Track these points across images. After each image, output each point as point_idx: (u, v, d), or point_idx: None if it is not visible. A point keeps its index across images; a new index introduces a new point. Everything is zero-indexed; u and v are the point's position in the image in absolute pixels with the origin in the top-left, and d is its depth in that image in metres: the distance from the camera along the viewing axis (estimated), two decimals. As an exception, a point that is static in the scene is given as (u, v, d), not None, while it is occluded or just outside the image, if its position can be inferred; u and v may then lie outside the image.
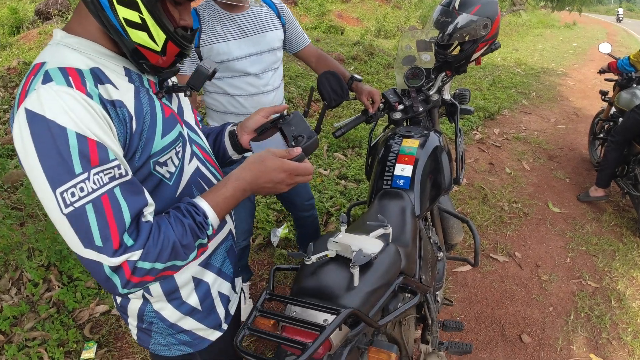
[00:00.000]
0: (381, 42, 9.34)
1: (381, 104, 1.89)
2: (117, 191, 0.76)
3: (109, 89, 0.80)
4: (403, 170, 1.60)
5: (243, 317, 2.25)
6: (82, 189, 0.72)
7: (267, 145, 1.06)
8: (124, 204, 0.76)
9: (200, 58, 1.78)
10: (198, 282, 1.03)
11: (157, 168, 0.89)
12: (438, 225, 2.04)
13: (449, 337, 2.28)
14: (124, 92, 0.82)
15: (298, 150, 0.96)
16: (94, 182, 0.73)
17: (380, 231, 1.22)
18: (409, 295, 1.21)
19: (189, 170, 0.98)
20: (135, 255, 0.75)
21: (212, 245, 1.05)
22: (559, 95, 7.20)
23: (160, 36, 0.83)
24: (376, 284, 1.06)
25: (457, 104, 2.03)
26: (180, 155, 0.94)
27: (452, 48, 1.84)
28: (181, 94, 1.05)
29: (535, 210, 3.59)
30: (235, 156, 1.20)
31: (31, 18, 8.29)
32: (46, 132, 0.71)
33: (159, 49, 0.84)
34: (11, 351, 2.05)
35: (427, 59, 1.94)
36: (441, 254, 1.91)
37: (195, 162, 1.00)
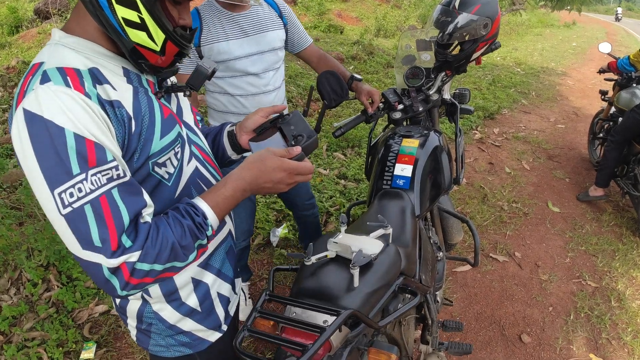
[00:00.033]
0: (381, 42, 9.33)
1: (381, 104, 1.89)
2: (115, 192, 0.75)
3: (107, 89, 0.79)
4: (403, 170, 1.59)
5: (241, 317, 2.26)
6: (80, 190, 0.72)
7: (267, 145, 1.05)
8: (122, 205, 0.75)
9: (201, 57, 1.78)
10: (197, 283, 1.02)
11: (156, 169, 0.88)
12: (438, 225, 2.03)
13: (449, 337, 2.28)
14: (122, 92, 0.82)
15: (298, 149, 0.95)
16: (92, 183, 0.72)
17: (380, 232, 1.22)
18: (409, 295, 1.21)
19: (187, 171, 0.97)
20: (133, 256, 0.75)
21: (211, 246, 1.04)
22: (558, 95, 7.20)
23: (159, 36, 0.82)
24: (376, 285, 1.06)
25: (457, 103, 2.03)
26: (179, 156, 0.93)
27: (452, 47, 1.84)
28: (180, 94, 1.04)
29: (535, 209, 3.59)
30: (234, 156, 1.20)
31: (30, 17, 8.27)
32: (44, 133, 0.70)
33: (158, 48, 0.84)
34: (10, 351, 2.05)
35: (427, 58, 1.94)
36: (441, 254, 1.91)
37: (194, 163, 1.00)
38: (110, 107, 0.78)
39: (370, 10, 12.80)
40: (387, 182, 1.59)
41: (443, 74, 1.90)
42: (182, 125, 0.98)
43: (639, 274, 2.84)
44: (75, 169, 0.71)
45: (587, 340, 2.34)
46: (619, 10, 28.86)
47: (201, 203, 0.87)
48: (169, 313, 1.00)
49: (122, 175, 0.77)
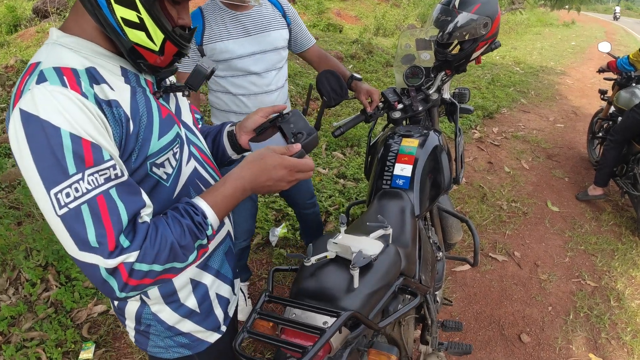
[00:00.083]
0: (380, 41, 9.32)
1: (380, 103, 1.88)
2: (113, 192, 0.74)
3: (105, 88, 0.78)
4: (402, 170, 1.59)
5: (241, 317, 2.25)
6: (77, 190, 0.71)
7: (267, 145, 1.05)
8: (120, 204, 0.75)
9: (204, 56, 1.78)
10: (196, 284, 1.01)
11: (154, 169, 0.87)
12: (437, 224, 2.03)
13: (448, 337, 2.28)
14: (120, 92, 0.81)
15: (298, 146, 0.94)
16: (89, 183, 0.72)
17: (380, 232, 1.22)
18: (409, 296, 1.21)
19: (186, 171, 0.96)
20: (131, 256, 0.74)
21: (210, 247, 1.03)
22: (557, 94, 7.20)
23: (158, 36, 0.82)
24: (376, 286, 1.06)
25: (457, 103, 2.03)
26: (177, 156, 0.93)
27: (452, 47, 1.83)
28: (179, 94, 1.03)
29: (534, 209, 3.59)
30: (234, 156, 1.19)
31: (29, 16, 8.25)
32: (40, 133, 0.70)
33: (157, 48, 0.83)
34: (9, 351, 2.04)
35: (427, 57, 1.94)
36: (440, 253, 1.90)
37: (192, 164, 0.99)
38: (107, 106, 0.77)
39: (370, 9, 12.79)
40: (387, 182, 1.58)
41: (443, 73, 1.90)
42: (181, 126, 0.97)
43: (638, 274, 2.84)
44: (72, 169, 0.71)
45: (587, 339, 2.34)
46: (617, 9, 28.92)
47: (201, 202, 0.86)
48: (167, 314, 0.99)
49: (120, 175, 0.76)
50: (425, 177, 1.60)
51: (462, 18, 1.72)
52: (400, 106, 1.85)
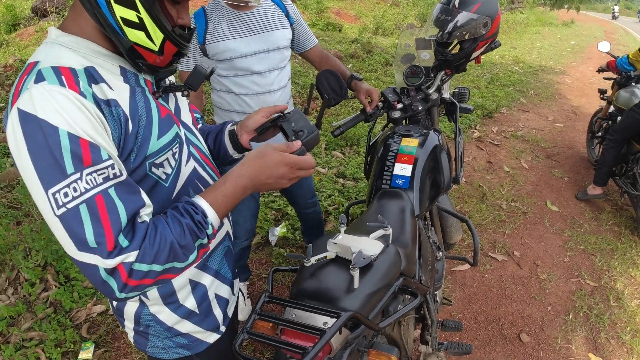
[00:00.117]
0: (379, 40, 9.32)
1: (380, 103, 1.88)
2: (112, 191, 0.74)
3: (104, 88, 0.78)
4: (402, 169, 1.59)
5: (240, 317, 2.25)
6: (75, 189, 0.70)
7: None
8: (119, 204, 0.74)
9: (207, 55, 1.78)
10: (195, 285, 1.01)
11: (153, 169, 0.87)
12: (437, 224, 2.03)
13: (448, 336, 2.28)
14: (118, 91, 0.81)
15: (298, 143, 0.94)
16: (87, 183, 0.71)
17: (380, 232, 1.21)
18: (409, 296, 1.20)
19: (185, 171, 0.96)
20: (131, 256, 0.73)
21: (210, 247, 1.03)
22: (557, 94, 7.20)
23: (157, 35, 0.81)
24: (376, 286, 1.05)
25: (457, 102, 2.02)
26: (177, 156, 0.92)
27: (451, 46, 1.83)
28: (179, 94, 1.03)
29: (534, 208, 3.58)
30: (235, 155, 1.19)
31: (28, 15, 8.23)
32: (38, 132, 0.69)
33: (156, 48, 0.82)
34: (8, 351, 2.04)
35: (427, 57, 1.93)
36: (440, 253, 1.90)
37: (192, 164, 0.99)
38: (106, 106, 0.77)
39: (369, 9, 12.78)
40: (387, 182, 1.58)
41: (442, 72, 1.90)
42: (180, 125, 0.97)
43: (638, 273, 2.84)
44: (70, 168, 0.70)
45: (586, 339, 2.34)
46: (616, 8, 28.97)
47: (201, 201, 0.85)
48: (166, 315, 0.99)
49: (118, 174, 0.76)
50: (425, 176, 1.60)
51: (462, 17, 1.71)
52: (400, 106, 1.84)
